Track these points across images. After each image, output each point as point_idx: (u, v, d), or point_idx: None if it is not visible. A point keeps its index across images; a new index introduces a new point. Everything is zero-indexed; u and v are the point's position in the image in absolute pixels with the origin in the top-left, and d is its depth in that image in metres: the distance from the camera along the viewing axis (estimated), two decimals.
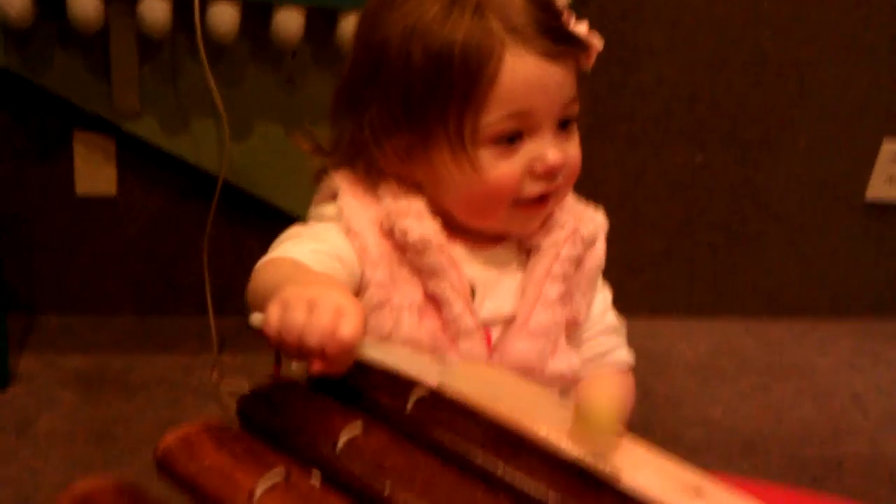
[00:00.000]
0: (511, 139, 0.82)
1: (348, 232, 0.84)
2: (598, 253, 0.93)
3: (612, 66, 2.03)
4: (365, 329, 0.64)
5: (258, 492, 0.53)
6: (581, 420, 0.60)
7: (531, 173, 0.83)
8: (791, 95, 2.14)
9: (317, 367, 0.63)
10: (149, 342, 1.96)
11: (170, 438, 0.57)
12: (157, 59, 1.78)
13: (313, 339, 0.62)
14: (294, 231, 0.86)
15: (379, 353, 0.65)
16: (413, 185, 0.86)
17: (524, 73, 0.80)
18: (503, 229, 0.89)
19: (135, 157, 1.90)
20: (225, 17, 1.65)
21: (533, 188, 0.84)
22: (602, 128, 2.07)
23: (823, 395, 2.07)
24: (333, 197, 0.87)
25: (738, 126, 2.15)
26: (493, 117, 0.80)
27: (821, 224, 2.30)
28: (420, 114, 0.81)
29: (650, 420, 1.88)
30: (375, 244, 0.83)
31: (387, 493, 0.55)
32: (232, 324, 1.97)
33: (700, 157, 2.17)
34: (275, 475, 0.54)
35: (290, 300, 0.64)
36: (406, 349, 0.70)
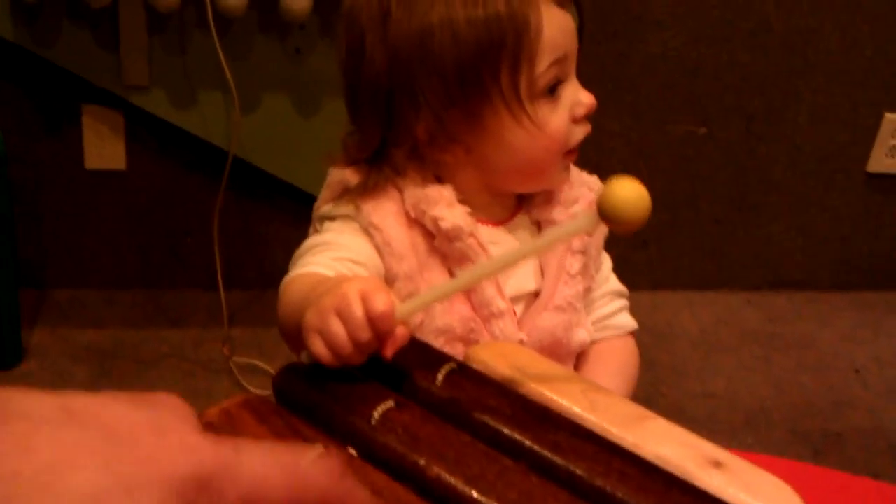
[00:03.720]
0: (552, 89, 0.85)
1: (368, 227, 0.85)
2: None
3: (616, 38, 2.03)
4: (389, 289, 0.65)
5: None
6: (609, 198, 0.59)
7: (573, 119, 0.87)
8: (794, 67, 2.14)
9: (389, 350, 0.64)
10: (159, 316, 1.97)
11: (211, 412, 0.58)
12: (165, 32, 1.78)
13: (363, 334, 0.62)
14: (310, 243, 0.86)
15: (415, 302, 0.67)
16: (433, 176, 0.87)
17: (557, 21, 0.84)
18: (550, 185, 0.91)
19: (144, 130, 1.91)
20: None
21: (577, 134, 0.88)
22: (606, 100, 2.07)
23: (824, 368, 2.09)
24: (343, 190, 0.88)
25: (741, 98, 2.15)
26: (542, 68, 0.84)
27: (822, 196, 2.31)
28: (476, 84, 0.83)
29: (654, 393, 1.90)
30: (399, 235, 0.85)
31: (422, 465, 0.56)
32: (241, 298, 1.98)
33: (703, 129, 2.17)
34: (315, 448, 0.56)
35: (320, 324, 0.64)
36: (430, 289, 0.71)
